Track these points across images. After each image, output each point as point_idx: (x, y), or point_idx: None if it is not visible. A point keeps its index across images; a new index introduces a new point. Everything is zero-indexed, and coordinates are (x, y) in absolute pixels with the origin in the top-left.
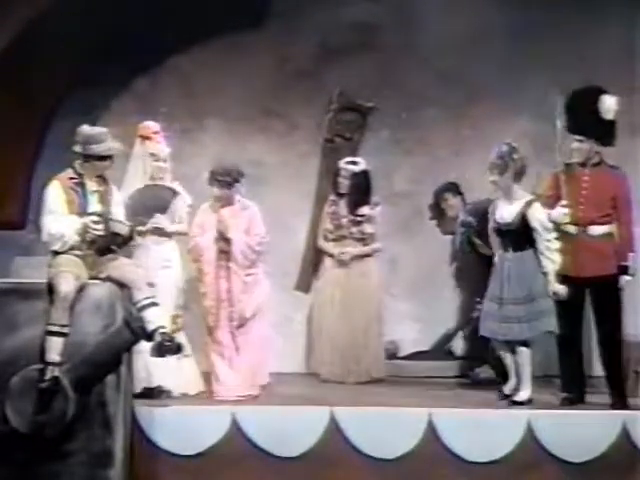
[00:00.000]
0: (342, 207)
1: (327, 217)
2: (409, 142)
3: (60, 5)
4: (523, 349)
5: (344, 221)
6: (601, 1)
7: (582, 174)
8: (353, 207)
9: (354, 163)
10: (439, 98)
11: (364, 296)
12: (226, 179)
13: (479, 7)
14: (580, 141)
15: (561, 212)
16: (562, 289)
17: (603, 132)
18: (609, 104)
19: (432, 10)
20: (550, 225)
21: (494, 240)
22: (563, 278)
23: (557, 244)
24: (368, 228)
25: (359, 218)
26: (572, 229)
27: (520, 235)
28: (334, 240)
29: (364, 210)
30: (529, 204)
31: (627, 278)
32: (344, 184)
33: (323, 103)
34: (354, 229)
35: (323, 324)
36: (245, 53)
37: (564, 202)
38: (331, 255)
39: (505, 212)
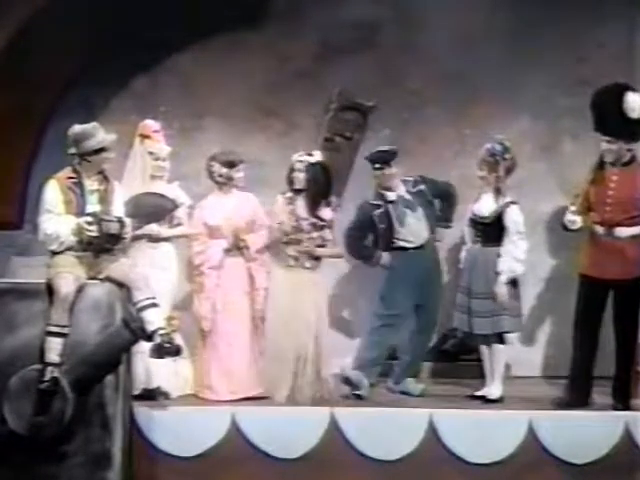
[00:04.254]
0: (300, 207)
1: (284, 215)
2: (409, 141)
3: (59, 4)
4: (499, 346)
5: (304, 224)
6: (601, 0)
7: (611, 173)
8: (313, 207)
9: (309, 155)
10: (439, 98)
11: (314, 305)
12: (229, 158)
13: (479, 7)
14: (609, 142)
15: (568, 219)
16: (503, 293)
17: (631, 130)
18: (633, 101)
19: (432, 9)
20: (523, 230)
21: (467, 231)
22: (586, 279)
23: (523, 254)
24: (329, 235)
25: (321, 222)
26: (599, 230)
27: (493, 231)
28: (289, 243)
29: (326, 213)
30: (508, 204)
31: None
32: (299, 178)
33: (323, 102)
34: (315, 234)
35: (272, 335)
36: (245, 52)
37: (573, 208)
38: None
39: (484, 206)
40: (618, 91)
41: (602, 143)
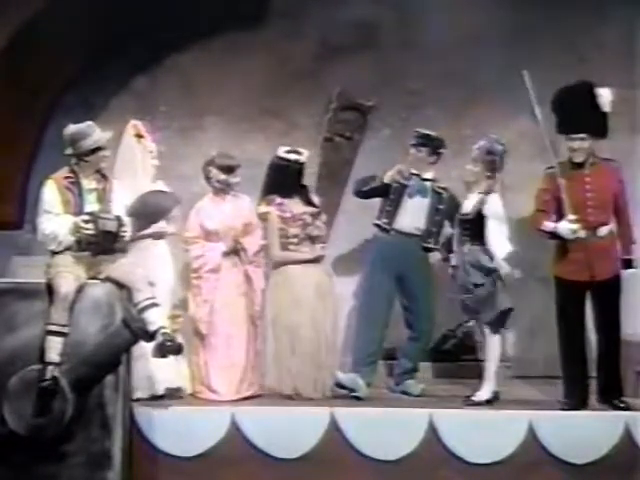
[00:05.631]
0: (294, 205)
1: (286, 222)
2: (410, 141)
3: (59, 4)
4: (492, 341)
5: (306, 217)
6: (601, 1)
7: (583, 175)
8: (310, 198)
9: (302, 152)
10: (439, 98)
11: (333, 296)
12: (227, 163)
13: (479, 7)
14: (582, 139)
15: (568, 228)
16: (512, 271)
17: (599, 126)
18: (607, 96)
19: (432, 9)
20: (504, 216)
21: (456, 234)
22: (567, 282)
23: (506, 234)
24: (323, 216)
25: (317, 209)
26: (582, 234)
27: (477, 227)
28: (299, 244)
29: (315, 198)
30: (488, 194)
31: (632, 271)
32: (305, 174)
33: (323, 102)
34: (318, 222)
35: (297, 332)
36: (245, 52)
37: (572, 217)
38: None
39: (468, 204)
40: (585, 88)
41: (573, 143)
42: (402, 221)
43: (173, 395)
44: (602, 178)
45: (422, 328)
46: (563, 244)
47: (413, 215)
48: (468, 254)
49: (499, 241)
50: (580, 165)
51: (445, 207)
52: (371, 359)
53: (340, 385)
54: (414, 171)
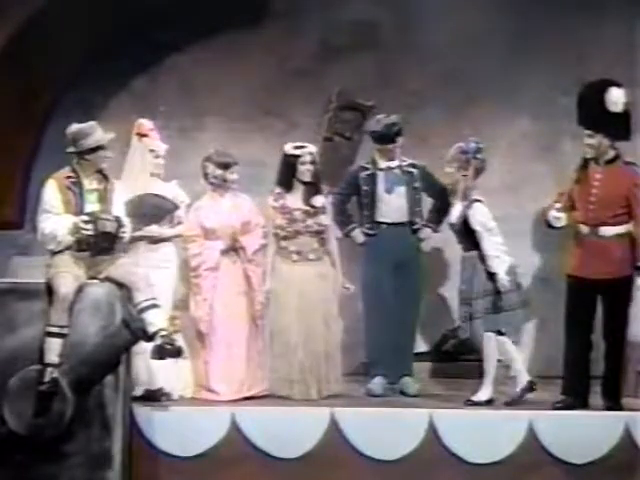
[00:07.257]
0: (292, 199)
1: (276, 212)
2: (409, 142)
3: (58, 4)
4: (488, 344)
5: (297, 214)
6: (601, 0)
7: (595, 171)
8: (310, 197)
9: (304, 147)
10: (439, 98)
11: (323, 300)
12: (224, 159)
13: (479, 7)
14: (590, 135)
15: (553, 215)
16: (505, 285)
17: (612, 125)
18: (616, 96)
19: (432, 10)
20: (493, 225)
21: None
22: (573, 279)
23: (500, 248)
24: (325, 220)
25: (314, 209)
26: (583, 229)
27: (466, 236)
28: (286, 238)
29: (319, 200)
30: (470, 205)
31: None
32: (307, 170)
33: (323, 102)
34: (310, 221)
35: (279, 333)
36: (245, 52)
37: (558, 205)
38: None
39: (454, 213)
40: (603, 85)
41: (584, 138)
42: (388, 214)
43: (154, 397)
44: (614, 178)
45: (408, 316)
46: (571, 240)
47: (397, 206)
48: (465, 261)
49: (496, 255)
50: (596, 162)
51: (420, 183)
52: (388, 358)
53: (374, 396)
54: (383, 165)
